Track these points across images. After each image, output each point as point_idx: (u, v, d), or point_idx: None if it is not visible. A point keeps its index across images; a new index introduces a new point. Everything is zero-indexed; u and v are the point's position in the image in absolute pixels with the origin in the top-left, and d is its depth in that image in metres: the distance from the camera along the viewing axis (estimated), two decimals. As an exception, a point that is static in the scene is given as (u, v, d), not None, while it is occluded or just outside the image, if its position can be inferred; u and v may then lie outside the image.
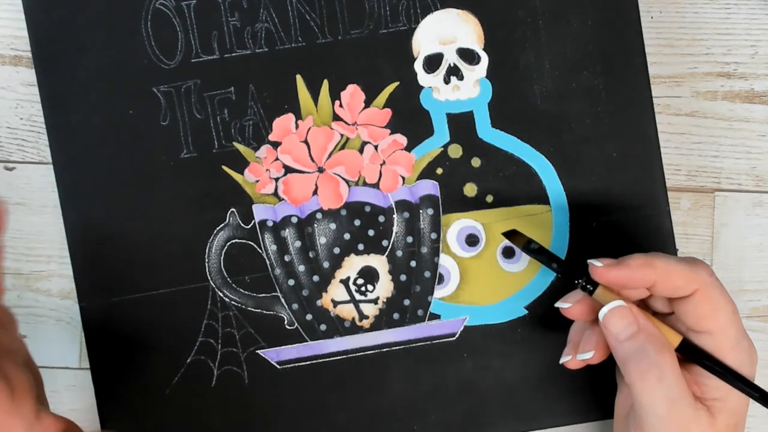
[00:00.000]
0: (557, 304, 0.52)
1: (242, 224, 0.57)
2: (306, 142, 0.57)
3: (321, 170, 0.57)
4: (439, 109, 0.57)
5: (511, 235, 0.53)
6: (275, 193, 0.57)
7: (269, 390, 0.57)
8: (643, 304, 0.52)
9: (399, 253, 0.57)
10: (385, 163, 0.57)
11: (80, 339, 0.59)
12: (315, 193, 0.57)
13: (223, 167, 0.57)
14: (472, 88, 0.57)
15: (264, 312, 0.57)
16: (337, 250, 0.57)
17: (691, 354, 0.49)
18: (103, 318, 0.57)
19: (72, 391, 0.59)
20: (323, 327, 0.57)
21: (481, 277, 0.57)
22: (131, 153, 0.57)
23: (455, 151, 0.57)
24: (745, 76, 0.59)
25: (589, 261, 0.50)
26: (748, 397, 0.49)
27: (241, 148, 0.57)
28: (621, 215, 0.57)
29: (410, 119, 0.57)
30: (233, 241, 0.57)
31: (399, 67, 0.57)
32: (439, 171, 0.57)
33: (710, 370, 0.49)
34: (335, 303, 0.57)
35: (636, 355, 0.48)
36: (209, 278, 0.57)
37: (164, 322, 0.57)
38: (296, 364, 0.57)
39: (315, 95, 0.57)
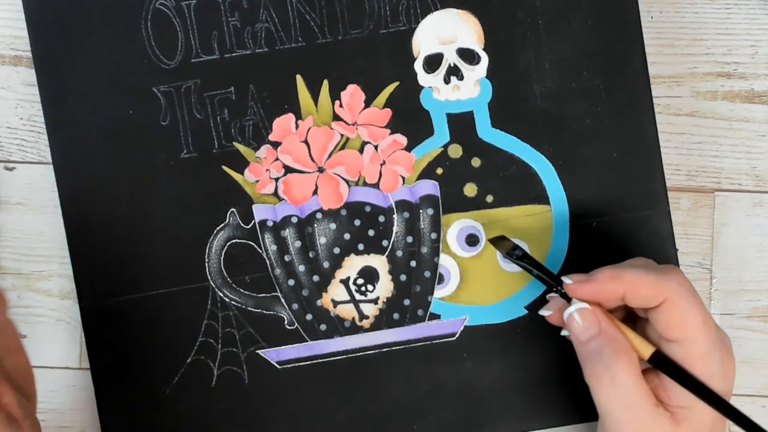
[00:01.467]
0: (541, 312, 0.53)
1: (242, 224, 0.57)
2: (306, 142, 0.57)
3: (321, 170, 0.57)
4: (439, 109, 0.57)
5: (497, 240, 0.54)
6: (275, 193, 0.57)
7: (269, 390, 0.57)
8: (628, 310, 0.53)
9: (399, 253, 0.57)
10: (385, 163, 0.57)
11: (80, 339, 0.59)
12: (315, 193, 0.57)
13: (223, 167, 0.57)
14: (472, 88, 0.57)
15: (264, 312, 0.57)
16: (337, 250, 0.57)
17: (657, 363, 0.49)
18: (103, 318, 0.57)
19: (72, 391, 0.59)
20: (323, 327, 0.57)
21: (481, 277, 0.57)
22: (131, 153, 0.57)
23: (455, 151, 0.57)
24: (745, 76, 0.59)
25: (561, 277, 0.51)
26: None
27: (241, 148, 0.57)
28: (621, 215, 0.57)
29: (410, 119, 0.57)
30: (233, 241, 0.57)
31: (399, 67, 0.57)
32: (439, 171, 0.57)
33: (676, 380, 0.49)
34: (335, 303, 0.57)
35: (592, 357, 0.49)
36: (209, 278, 0.57)
37: (164, 322, 0.57)
38: (296, 364, 0.57)
39: (315, 95, 0.57)
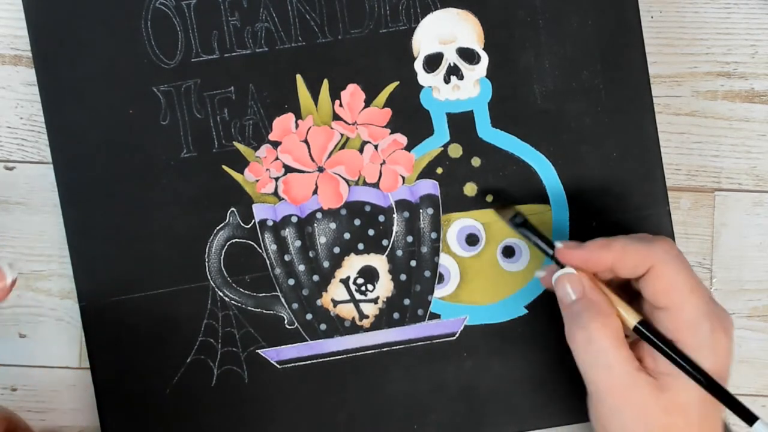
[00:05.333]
0: (536, 274, 0.54)
1: (242, 224, 0.57)
2: (306, 141, 0.57)
3: (321, 170, 0.57)
4: (439, 108, 0.57)
5: (500, 207, 0.55)
6: (275, 193, 0.57)
7: (269, 390, 0.57)
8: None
9: (399, 253, 0.57)
10: (385, 162, 0.57)
11: (80, 339, 0.59)
12: (315, 192, 0.57)
13: (223, 167, 0.57)
14: (472, 88, 0.57)
15: (264, 311, 0.57)
16: (337, 250, 0.57)
17: (641, 333, 0.50)
18: (103, 318, 0.57)
19: (72, 391, 0.59)
20: (323, 326, 0.57)
21: (481, 277, 0.57)
22: (131, 153, 0.57)
23: (455, 151, 0.57)
24: (745, 75, 0.59)
25: (554, 242, 0.52)
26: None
27: (241, 147, 0.57)
28: (621, 215, 0.57)
29: (410, 119, 0.57)
30: (233, 240, 0.57)
31: (399, 66, 0.57)
32: (439, 170, 0.57)
33: (657, 349, 0.49)
34: (335, 302, 0.57)
35: (573, 319, 0.50)
36: (209, 278, 0.57)
37: (164, 322, 0.57)
38: (296, 364, 0.57)
39: (315, 95, 0.57)
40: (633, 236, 0.51)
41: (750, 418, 0.47)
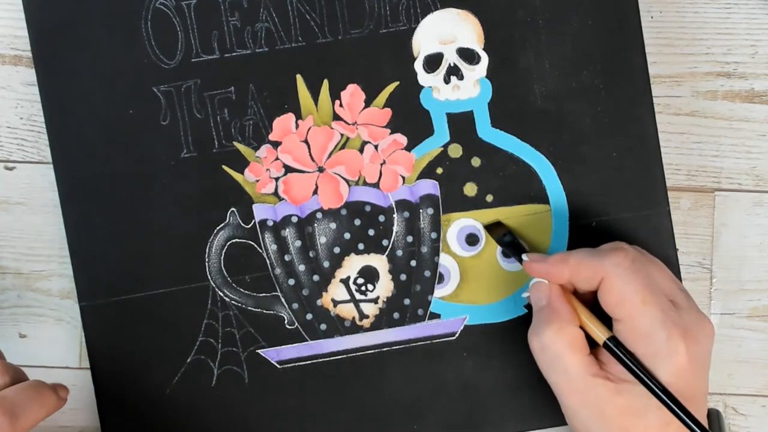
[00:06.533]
0: (523, 294, 0.55)
1: (242, 224, 0.57)
2: (306, 141, 0.57)
3: (321, 170, 0.57)
4: (439, 108, 0.57)
5: (492, 227, 0.56)
6: (275, 193, 0.57)
7: (269, 390, 0.57)
8: None
9: (399, 253, 0.57)
10: (386, 162, 0.57)
11: (80, 339, 0.59)
12: (315, 192, 0.57)
13: (224, 167, 0.57)
14: (472, 88, 0.57)
15: (264, 311, 0.57)
16: (337, 250, 0.57)
17: (610, 348, 0.50)
18: (103, 318, 0.57)
19: (72, 391, 0.58)
20: (323, 326, 0.57)
21: (481, 277, 0.57)
22: (131, 153, 0.57)
23: (455, 151, 0.57)
24: (745, 75, 0.59)
25: (522, 255, 0.54)
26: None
27: (241, 147, 0.57)
28: (621, 215, 0.57)
29: (410, 119, 0.57)
30: (233, 240, 0.57)
31: (399, 66, 0.57)
32: (439, 170, 0.57)
33: (624, 366, 0.49)
34: (335, 302, 0.57)
35: (533, 325, 0.52)
36: (209, 278, 0.57)
37: (164, 322, 0.57)
38: (296, 364, 0.57)
39: (315, 95, 0.57)
40: (590, 249, 0.52)
41: None
